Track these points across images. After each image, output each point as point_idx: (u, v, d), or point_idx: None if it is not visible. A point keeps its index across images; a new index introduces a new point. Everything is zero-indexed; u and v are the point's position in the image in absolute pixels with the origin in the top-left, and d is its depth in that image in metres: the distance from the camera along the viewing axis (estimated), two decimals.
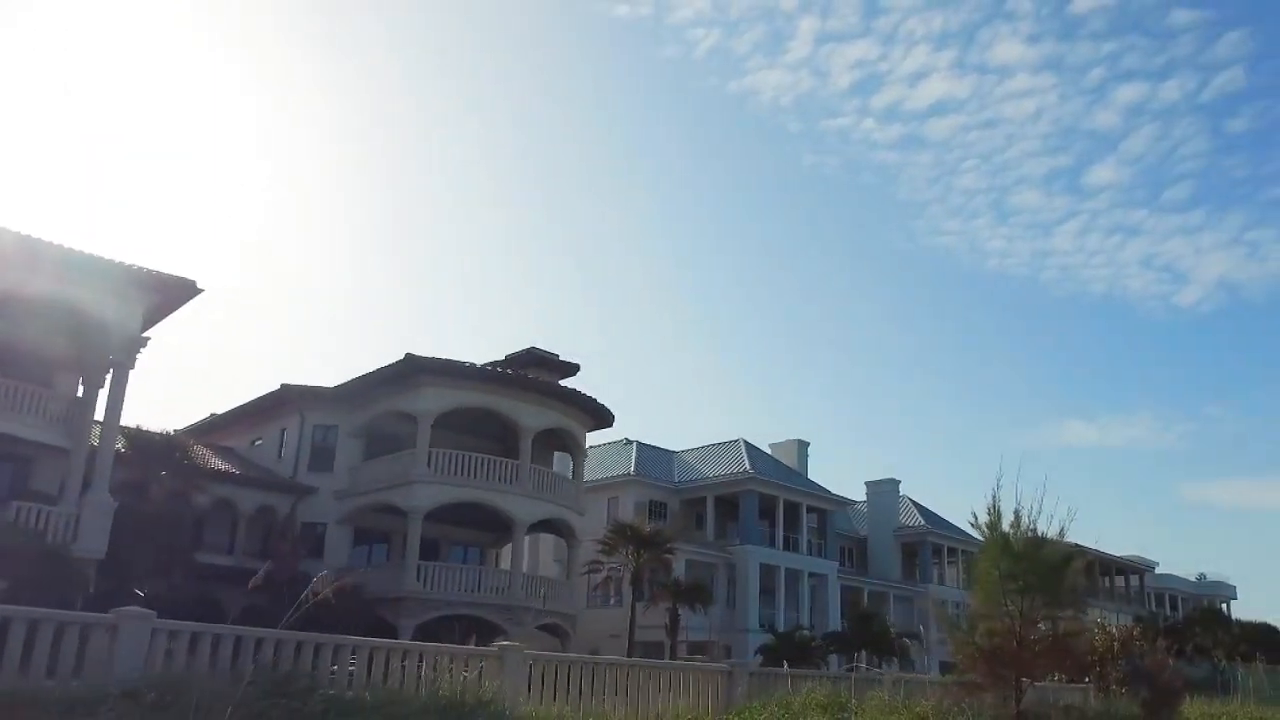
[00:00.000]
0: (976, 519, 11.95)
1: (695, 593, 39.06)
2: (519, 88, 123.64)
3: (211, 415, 41.21)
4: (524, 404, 34.59)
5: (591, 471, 52.60)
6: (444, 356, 33.01)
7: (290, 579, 33.78)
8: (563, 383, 38.27)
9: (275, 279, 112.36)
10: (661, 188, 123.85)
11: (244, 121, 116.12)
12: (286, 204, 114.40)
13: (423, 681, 10.36)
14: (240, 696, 8.07)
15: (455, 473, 32.78)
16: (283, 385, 36.07)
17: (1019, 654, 11.31)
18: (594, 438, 53.05)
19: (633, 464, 50.77)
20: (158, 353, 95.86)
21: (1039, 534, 11.78)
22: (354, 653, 10.73)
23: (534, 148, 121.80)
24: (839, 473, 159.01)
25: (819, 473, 62.71)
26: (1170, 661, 19.28)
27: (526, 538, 44.65)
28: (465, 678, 10.28)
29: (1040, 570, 11.51)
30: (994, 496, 11.83)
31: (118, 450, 30.84)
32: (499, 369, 34.37)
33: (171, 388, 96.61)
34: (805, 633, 38.82)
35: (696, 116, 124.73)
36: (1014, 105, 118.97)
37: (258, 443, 38.78)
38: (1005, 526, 12.10)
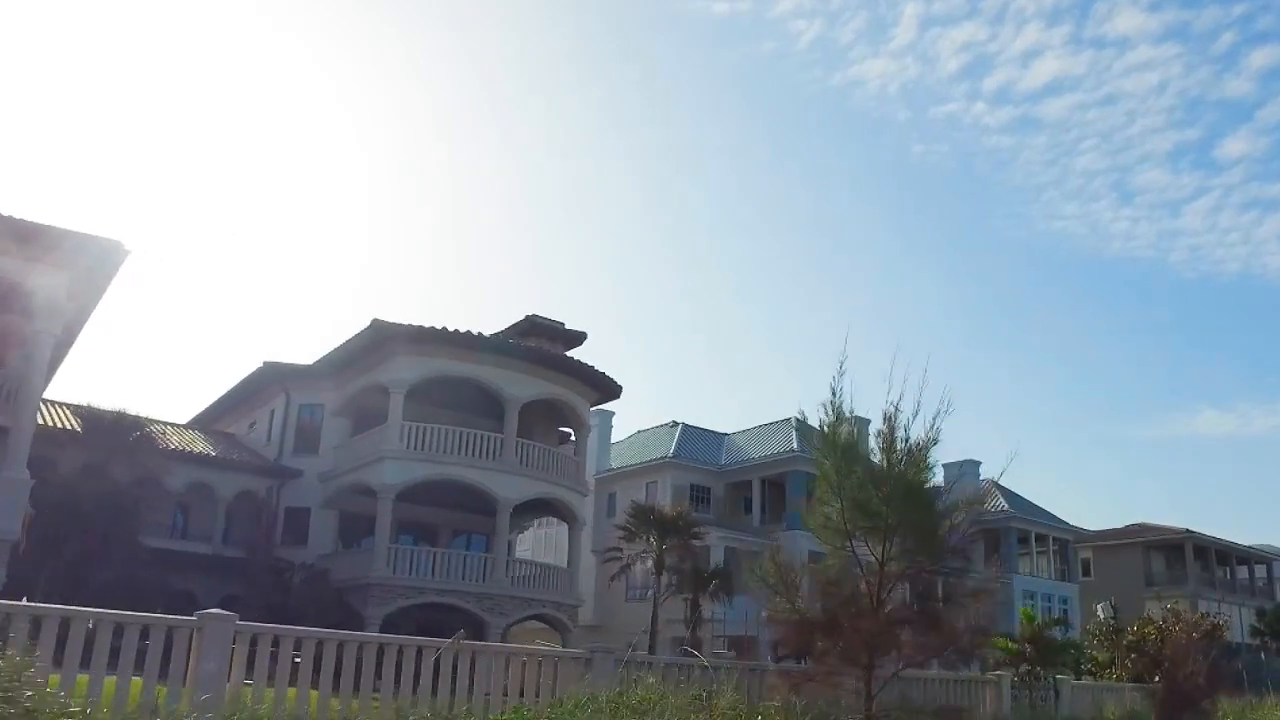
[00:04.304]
0: (804, 418, 8.03)
1: (718, 581, 35.18)
2: (613, 86, 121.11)
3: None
4: (510, 373, 31.39)
5: (632, 455, 49.32)
6: (415, 323, 30.07)
7: (266, 566, 31.66)
8: (570, 354, 34.98)
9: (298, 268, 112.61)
10: (764, 182, 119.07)
11: (253, 112, 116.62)
12: (306, 192, 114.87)
13: None
14: None
15: (430, 448, 29.84)
16: (265, 363, 33.93)
17: (868, 627, 7.44)
18: (640, 421, 49.92)
19: (673, 446, 47.10)
20: (183, 347, 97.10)
21: (911, 443, 7.81)
22: None
23: (629, 143, 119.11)
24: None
25: None
26: (1199, 653, 14.63)
27: (566, 527, 41.94)
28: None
29: (904, 499, 7.62)
30: (835, 387, 7.90)
31: (72, 430, 29.39)
32: (479, 335, 31.16)
33: (197, 380, 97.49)
34: None
35: (800, 110, 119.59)
36: (1135, 79, 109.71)
37: (254, 426, 36.86)
38: (872, 439, 8.16)
